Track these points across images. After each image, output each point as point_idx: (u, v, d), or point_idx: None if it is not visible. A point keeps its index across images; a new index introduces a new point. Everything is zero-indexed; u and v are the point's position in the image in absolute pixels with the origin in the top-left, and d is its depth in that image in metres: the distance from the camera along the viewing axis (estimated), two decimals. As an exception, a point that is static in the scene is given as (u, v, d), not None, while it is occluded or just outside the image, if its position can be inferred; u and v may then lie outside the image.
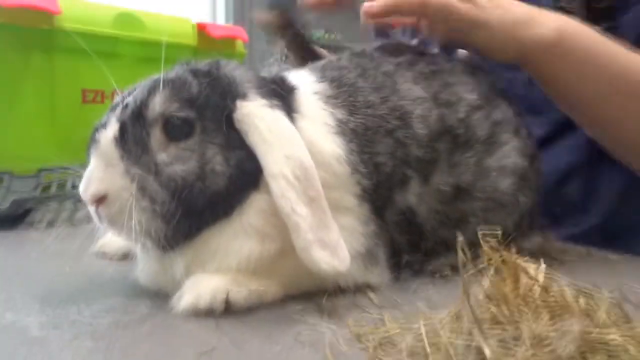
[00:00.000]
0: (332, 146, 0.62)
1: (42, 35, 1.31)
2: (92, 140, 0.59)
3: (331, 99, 0.66)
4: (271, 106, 0.60)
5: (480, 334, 0.39)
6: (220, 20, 4.22)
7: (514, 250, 0.47)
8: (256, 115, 0.59)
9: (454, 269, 0.68)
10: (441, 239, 0.70)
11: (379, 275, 0.65)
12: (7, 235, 0.90)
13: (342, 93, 0.67)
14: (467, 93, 0.74)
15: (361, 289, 0.64)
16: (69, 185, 1.19)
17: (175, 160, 0.57)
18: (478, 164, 0.71)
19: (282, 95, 0.63)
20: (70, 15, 1.34)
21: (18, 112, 1.31)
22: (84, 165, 1.34)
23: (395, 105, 0.69)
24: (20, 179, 1.25)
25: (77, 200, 1.16)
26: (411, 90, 0.71)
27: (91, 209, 0.58)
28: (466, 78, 0.76)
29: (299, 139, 0.59)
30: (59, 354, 0.46)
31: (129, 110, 0.58)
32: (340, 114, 0.65)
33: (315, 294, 0.61)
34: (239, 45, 1.68)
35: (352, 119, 0.65)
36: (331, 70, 0.72)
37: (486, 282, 0.44)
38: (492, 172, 0.72)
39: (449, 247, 0.68)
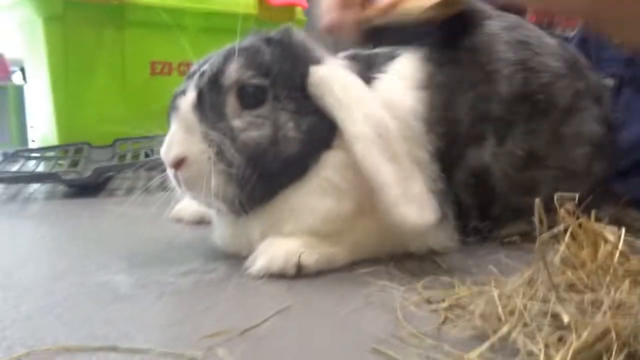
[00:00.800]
0: (411, 101, 0.63)
1: (113, 11, 1.36)
2: (172, 107, 0.61)
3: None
4: (343, 68, 0.61)
5: (557, 299, 0.38)
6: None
7: (591, 216, 0.45)
8: (330, 78, 0.59)
9: (523, 236, 0.67)
10: (510, 206, 0.69)
11: (448, 236, 0.65)
12: (90, 202, 0.96)
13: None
14: (554, 61, 0.72)
15: (428, 255, 0.64)
16: (142, 154, 1.25)
17: (249, 126, 0.59)
18: (554, 132, 0.69)
19: (361, 55, 0.65)
20: (138, -11, 1.37)
21: (93, 86, 1.38)
22: (155, 135, 1.40)
23: (483, 62, 0.68)
24: (97, 149, 1.33)
25: (151, 168, 1.23)
26: (502, 53, 0.69)
27: (170, 172, 0.61)
28: (554, 47, 0.74)
29: (373, 97, 0.59)
30: (148, 309, 0.50)
31: (205, 78, 0.60)
32: (428, 66, 0.66)
33: (383, 260, 0.62)
34: (299, 12, 1.67)
35: (438, 71, 0.66)
36: None
37: (562, 247, 0.43)
38: (567, 140, 0.70)
39: (518, 214, 0.67)
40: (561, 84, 0.71)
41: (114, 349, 0.42)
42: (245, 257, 0.61)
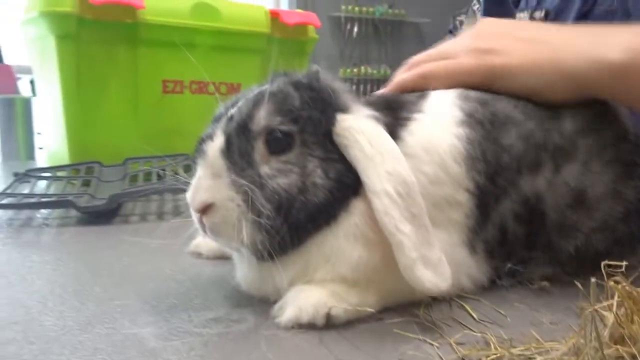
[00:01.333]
0: (450, 141, 0.63)
1: (127, 29, 1.35)
2: (198, 151, 0.60)
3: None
4: (372, 119, 0.60)
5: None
6: (284, 5, 4.22)
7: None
8: (356, 129, 0.59)
9: (552, 281, 0.66)
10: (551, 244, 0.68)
11: (481, 277, 0.65)
12: (105, 230, 0.95)
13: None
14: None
15: (456, 301, 0.63)
16: (154, 175, 1.24)
17: (278, 173, 0.58)
18: (614, 182, 0.69)
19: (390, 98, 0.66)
20: (152, 8, 1.37)
21: (105, 104, 1.38)
22: (166, 155, 1.39)
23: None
24: (108, 168, 1.32)
25: (162, 193, 1.22)
26: None
27: (195, 217, 0.60)
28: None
29: (399, 153, 0.59)
30: (179, 366, 0.49)
31: (234, 123, 0.59)
32: (469, 105, 0.67)
33: (410, 307, 0.61)
34: (311, 30, 1.67)
35: (480, 109, 0.66)
36: None
37: (611, 320, 0.42)
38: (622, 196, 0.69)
39: (553, 254, 0.67)
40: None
41: (151, 419, 0.41)
42: (271, 302, 0.60)
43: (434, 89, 0.71)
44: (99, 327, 0.56)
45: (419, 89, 0.73)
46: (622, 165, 0.69)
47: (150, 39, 1.39)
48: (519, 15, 1.17)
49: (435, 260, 0.57)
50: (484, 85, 0.71)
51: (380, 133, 0.59)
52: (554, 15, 1.07)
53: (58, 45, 1.28)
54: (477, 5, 1.39)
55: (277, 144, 0.59)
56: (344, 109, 0.61)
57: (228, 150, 0.58)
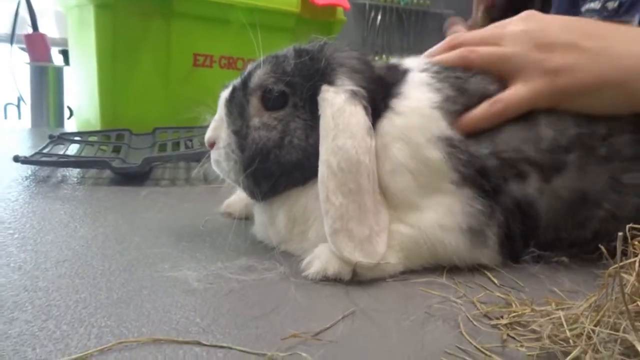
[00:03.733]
0: (431, 130, 0.64)
1: (162, 2, 1.38)
2: (219, 96, 0.70)
3: (438, 85, 0.68)
4: (350, 94, 0.62)
5: (633, 327, 0.40)
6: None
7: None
8: (328, 101, 0.62)
9: (571, 258, 0.68)
10: (558, 237, 0.69)
11: (489, 256, 0.66)
12: (139, 191, 0.98)
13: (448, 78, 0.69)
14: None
15: (478, 269, 0.66)
16: (182, 144, 1.27)
17: (262, 126, 0.65)
18: (614, 178, 0.68)
19: (383, 83, 0.67)
20: (188, -19, 1.39)
21: (138, 74, 1.41)
22: (194, 126, 1.42)
23: None
24: (138, 136, 1.36)
25: (192, 160, 1.25)
26: None
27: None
28: None
29: (359, 132, 0.60)
30: (220, 306, 0.52)
31: (240, 79, 0.69)
32: (450, 98, 0.67)
33: (434, 271, 0.64)
34: (339, 12, 1.68)
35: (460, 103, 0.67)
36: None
37: (632, 277, 0.44)
38: (626, 188, 0.69)
39: (567, 244, 0.69)
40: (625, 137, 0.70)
41: (198, 343, 0.44)
42: (299, 257, 0.64)
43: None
44: (141, 269, 0.60)
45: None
46: (627, 161, 0.69)
47: (184, 12, 1.42)
48: (590, 5, 1.15)
49: (362, 236, 0.59)
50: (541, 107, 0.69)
51: (347, 109, 0.61)
52: (628, 6, 1.03)
53: (96, 14, 1.32)
54: None
55: (271, 101, 0.65)
56: (331, 81, 0.64)
57: (230, 101, 0.68)
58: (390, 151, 0.63)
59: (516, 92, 0.68)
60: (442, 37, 0.84)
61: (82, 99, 1.54)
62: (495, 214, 0.65)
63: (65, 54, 2.06)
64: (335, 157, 0.59)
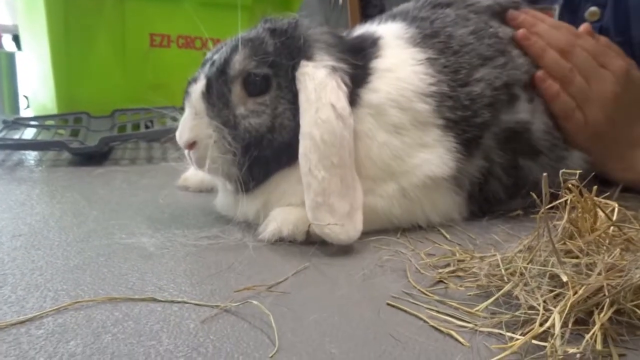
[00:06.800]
0: (415, 81, 0.66)
1: (114, -19, 1.36)
2: (185, 93, 0.66)
3: (420, 43, 0.70)
4: (329, 68, 0.63)
5: (558, 261, 0.43)
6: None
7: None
8: (309, 75, 0.62)
9: (526, 210, 0.71)
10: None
11: (458, 208, 0.70)
12: (97, 170, 0.98)
13: (429, 36, 0.71)
14: None
15: (433, 227, 0.69)
16: (142, 126, 1.27)
17: (251, 113, 0.63)
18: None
19: (358, 52, 0.67)
20: (139, -40, 1.37)
21: (93, 56, 1.39)
22: (153, 107, 1.41)
23: (494, 42, 0.74)
24: (96, 119, 1.34)
25: (152, 140, 1.25)
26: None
27: (185, 151, 0.66)
28: None
29: (341, 107, 0.61)
30: (176, 267, 0.53)
31: (214, 68, 0.64)
32: (430, 53, 0.69)
33: (388, 230, 0.67)
34: (299, -12, 1.69)
35: (442, 57, 0.69)
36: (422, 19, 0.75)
37: (565, 218, 0.47)
38: None
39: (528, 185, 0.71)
40: None
41: (153, 299, 0.46)
42: (256, 223, 0.65)
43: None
44: (98, 239, 0.61)
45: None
46: None
47: (137, -9, 1.40)
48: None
49: (343, 211, 0.59)
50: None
51: (328, 83, 0.61)
52: None
53: (45, -5, 1.29)
54: None
55: (255, 86, 0.63)
56: (309, 57, 0.64)
57: (208, 93, 0.64)
58: (384, 113, 0.64)
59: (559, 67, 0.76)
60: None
61: (37, 84, 1.51)
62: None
63: (17, 39, 2.00)
64: (319, 130, 0.59)
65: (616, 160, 0.79)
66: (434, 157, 0.66)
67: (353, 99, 0.64)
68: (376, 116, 0.65)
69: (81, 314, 0.43)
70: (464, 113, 0.68)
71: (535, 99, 0.74)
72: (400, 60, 0.68)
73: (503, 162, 0.71)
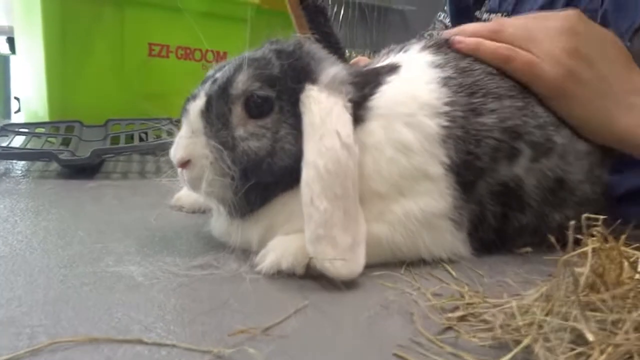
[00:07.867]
0: (430, 100, 0.64)
1: (114, -12, 1.33)
2: (183, 109, 0.63)
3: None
4: (335, 92, 0.60)
5: (583, 316, 0.39)
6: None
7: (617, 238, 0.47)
8: (314, 98, 0.59)
9: (535, 249, 0.67)
10: (538, 218, 0.70)
11: (462, 245, 0.66)
12: (87, 184, 0.94)
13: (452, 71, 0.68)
14: None
15: (439, 263, 0.65)
16: (136, 137, 1.23)
17: (250, 136, 0.60)
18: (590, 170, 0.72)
19: (369, 80, 0.65)
20: (141, -32, 1.35)
21: (89, 63, 1.36)
22: (148, 118, 1.38)
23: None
24: (89, 128, 1.31)
25: (146, 153, 1.21)
26: None
27: (178, 170, 0.63)
28: None
29: (348, 137, 0.58)
30: (165, 302, 0.49)
31: (216, 86, 0.62)
32: (445, 94, 0.65)
33: (392, 265, 0.63)
34: (300, 3, 1.66)
35: (456, 99, 0.66)
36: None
37: (587, 267, 0.44)
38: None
39: (538, 229, 0.69)
40: None
41: (139, 342, 0.42)
42: (253, 251, 0.61)
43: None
44: (83, 265, 0.57)
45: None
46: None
47: (136, 0, 1.37)
48: (493, 16, 1.14)
49: (345, 245, 0.56)
50: (545, 96, 0.70)
51: (334, 109, 0.59)
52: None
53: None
54: (442, 16, 1.35)
55: (256, 108, 0.60)
56: (314, 80, 0.61)
57: (207, 111, 0.61)
58: (393, 132, 0.62)
59: (530, 60, 0.70)
60: (405, 34, 0.83)
61: (29, 89, 1.47)
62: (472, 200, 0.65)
63: (11, 41, 1.96)
64: (323, 159, 0.56)
65: (624, 111, 0.70)
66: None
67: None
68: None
69: (58, 356, 0.39)
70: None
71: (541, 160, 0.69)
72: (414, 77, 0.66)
73: (494, 210, 0.68)
